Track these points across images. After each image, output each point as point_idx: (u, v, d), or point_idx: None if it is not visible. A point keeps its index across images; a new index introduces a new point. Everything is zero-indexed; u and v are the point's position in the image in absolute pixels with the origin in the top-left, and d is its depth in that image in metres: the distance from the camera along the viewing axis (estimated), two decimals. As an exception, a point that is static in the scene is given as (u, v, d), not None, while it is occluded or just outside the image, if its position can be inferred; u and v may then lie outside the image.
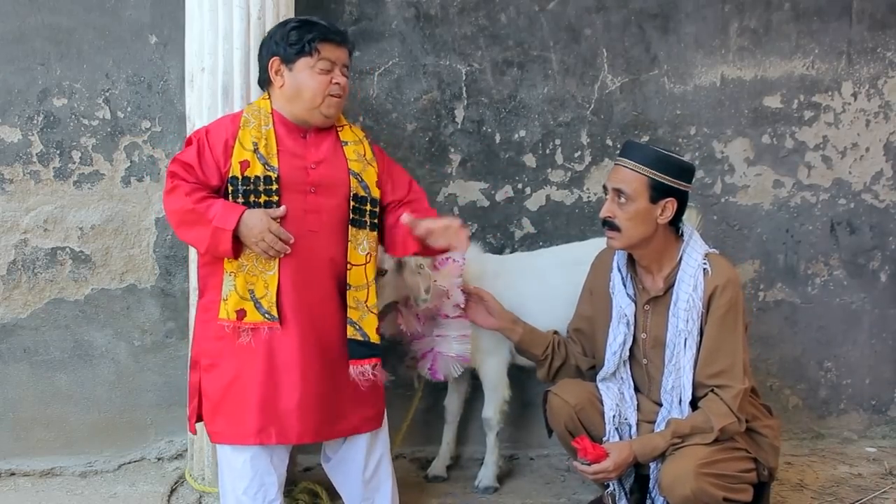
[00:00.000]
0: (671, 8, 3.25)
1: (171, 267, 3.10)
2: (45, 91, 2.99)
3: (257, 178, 2.31)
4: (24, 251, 3.03)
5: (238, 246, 2.29)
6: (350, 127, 2.52)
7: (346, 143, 2.46)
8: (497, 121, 3.22)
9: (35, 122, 2.99)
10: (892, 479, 3.15)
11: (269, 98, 2.42)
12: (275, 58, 2.37)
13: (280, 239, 2.27)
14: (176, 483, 2.96)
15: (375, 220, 2.47)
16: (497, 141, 3.23)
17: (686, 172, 2.48)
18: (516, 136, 3.23)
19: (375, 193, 2.46)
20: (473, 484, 2.99)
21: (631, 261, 2.59)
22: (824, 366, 3.50)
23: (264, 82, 2.44)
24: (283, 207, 2.31)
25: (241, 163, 2.31)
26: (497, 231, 3.26)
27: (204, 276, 2.41)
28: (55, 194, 3.03)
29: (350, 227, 2.41)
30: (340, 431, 2.44)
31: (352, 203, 2.41)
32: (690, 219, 2.64)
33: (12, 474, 3.03)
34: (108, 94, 3.02)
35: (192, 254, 2.73)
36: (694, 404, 2.45)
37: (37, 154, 3.01)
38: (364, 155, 2.47)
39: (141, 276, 3.11)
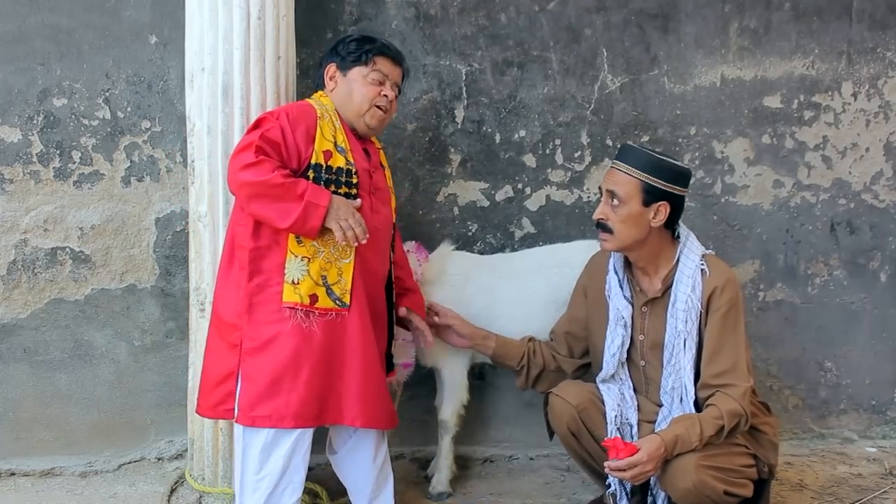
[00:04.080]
0: (671, 8, 3.25)
1: (171, 267, 3.10)
2: (45, 91, 2.99)
3: (340, 169, 2.37)
4: (24, 251, 3.03)
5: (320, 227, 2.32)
6: (382, 150, 2.68)
7: (384, 167, 2.63)
8: (497, 121, 3.22)
9: (35, 122, 2.99)
10: (892, 479, 3.15)
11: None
12: (332, 64, 2.50)
13: (361, 225, 2.32)
14: (176, 483, 2.96)
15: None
16: (497, 141, 3.23)
17: (681, 177, 2.48)
18: (516, 136, 3.23)
19: (393, 218, 2.64)
20: (427, 491, 2.97)
21: (627, 263, 2.59)
22: (824, 366, 3.50)
23: (319, 87, 2.56)
24: (359, 200, 2.40)
25: (324, 152, 2.36)
26: (497, 231, 3.26)
27: (255, 259, 2.34)
28: (55, 194, 3.03)
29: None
30: (387, 423, 2.47)
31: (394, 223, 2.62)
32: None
33: (12, 474, 3.03)
34: (108, 94, 3.02)
35: (193, 253, 2.73)
36: (697, 405, 2.45)
37: (37, 154, 3.01)
38: (390, 179, 2.66)
39: (141, 276, 3.11)
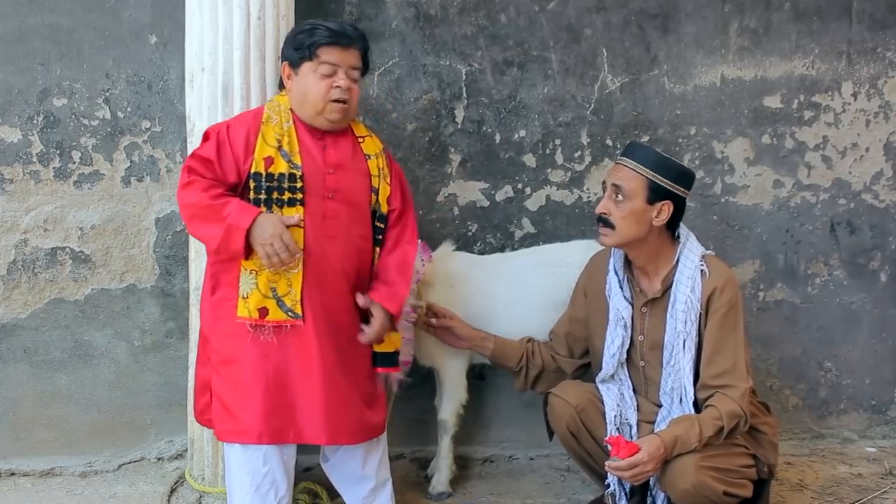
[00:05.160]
0: (671, 8, 3.25)
1: (171, 267, 3.10)
2: (45, 91, 2.98)
3: (282, 175, 2.29)
4: (24, 251, 3.03)
5: (248, 247, 2.25)
6: (372, 137, 2.50)
7: (370, 156, 2.45)
8: (497, 121, 3.22)
9: (35, 122, 2.99)
10: (892, 479, 3.15)
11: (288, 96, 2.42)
12: (285, 62, 2.39)
13: (288, 249, 2.22)
14: (176, 483, 2.96)
15: (380, 236, 2.48)
16: (497, 141, 3.23)
17: (685, 177, 2.49)
18: (516, 136, 3.23)
19: (384, 209, 2.47)
20: (427, 491, 2.97)
21: (627, 263, 2.59)
22: (824, 366, 3.50)
23: (281, 86, 2.46)
24: (297, 216, 2.28)
25: (265, 159, 2.29)
26: (497, 231, 3.26)
27: (215, 273, 2.36)
28: (55, 194, 3.03)
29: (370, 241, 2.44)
30: (354, 438, 2.40)
31: (376, 222, 2.44)
32: None
33: (12, 474, 3.03)
34: (108, 94, 3.01)
35: (193, 253, 2.73)
36: (696, 405, 2.45)
37: (37, 154, 3.01)
38: (382, 169, 2.46)
39: (141, 276, 3.11)
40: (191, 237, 2.74)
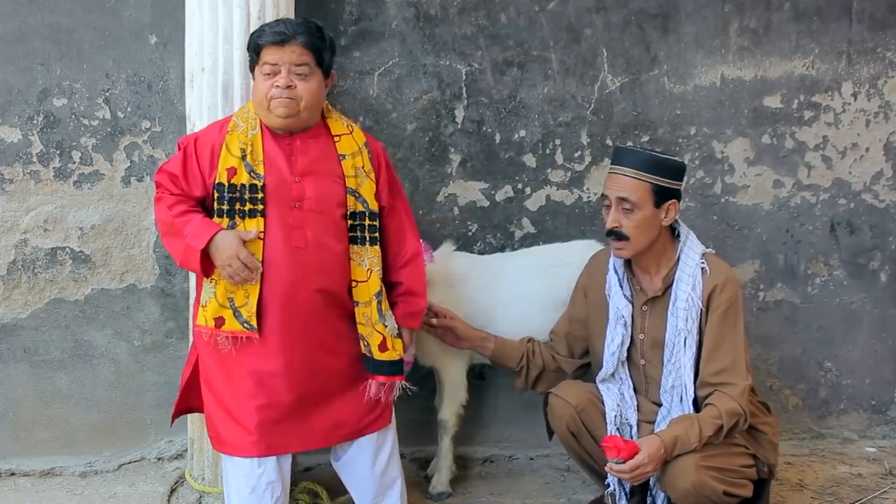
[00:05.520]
0: (671, 8, 3.25)
1: (171, 267, 3.10)
2: (45, 91, 2.98)
3: (243, 186, 2.27)
4: (24, 251, 3.03)
5: (211, 264, 2.25)
6: (353, 134, 2.43)
7: (344, 156, 2.38)
8: (497, 121, 3.22)
9: (35, 122, 2.99)
10: (892, 479, 3.15)
11: None
12: (251, 71, 2.39)
13: (248, 266, 2.22)
14: (176, 483, 2.96)
15: (376, 234, 2.41)
16: (497, 141, 3.23)
17: (680, 172, 2.50)
18: (516, 136, 3.23)
19: (374, 207, 2.40)
20: (427, 491, 2.97)
21: (627, 262, 2.59)
22: (824, 366, 3.50)
23: None
24: (254, 230, 2.26)
25: (228, 169, 2.28)
26: (497, 231, 3.26)
27: (197, 279, 2.41)
28: (55, 194, 3.03)
29: (350, 244, 2.37)
30: (341, 437, 2.42)
31: (349, 221, 2.36)
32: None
33: (12, 474, 3.03)
34: (108, 94, 3.01)
35: (192, 254, 2.73)
36: (696, 403, 2.45)
37: (37, 154, 3.01)
38: (363, 167, 2.39)
39: (141, 276, 3.11)
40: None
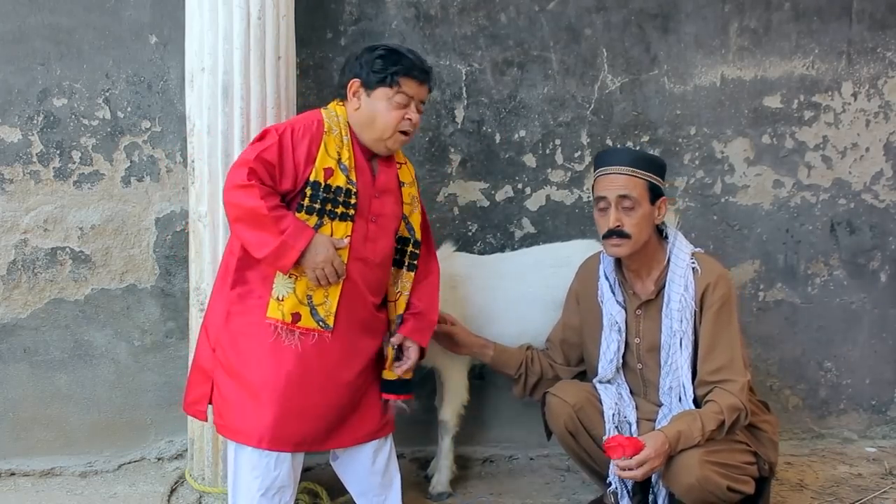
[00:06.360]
0: (671, 8, 3.25)
1: (171, 267, 3.10)
2: (45, 91, 2.99)
3: (339, 188, 2.30)
4: (24, 251, 3.03)
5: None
6: (407, 164, 2.54)
7: (404, 183, 2.49)
8: (497, 121, 3.22)
9: (35, 122, 2.99)
10: (892, 479, 3.15)
11: (346, 109, 2.40)
12: (356, 79, 2.37)
13: (337, 273, 2.28)
14: (176, 483, 2.96)
15: (415, 262, 2.50)
16: (497, 141, 3.23)
17: (665, 169, 2.53)
18: (516, 136, 3.23)
19: (418, 236, 2.51)
20: (427, 491, 2.97)
21: (618, 267, 2.58)
22: (824, 366, 3.50)
23: (342, 97, 2.43)
24: (345, 240, 2.31)
25: (325, 170, 2.29)
26: (497, 231, 3.26)
27: (241, 268, 2.33)
28: (55, 194, 3.03)
29: (392, 266, 2.48)
30: (351, 442, 2.45)
31: (396, 245, 2.47)
32: (669, 220, 2.63)
33: (12, 474, 3.03)
34: (108, 94, 3.02)
35: (193, 253, 2.73)
36: (696, 403, 2.45)
37: (37, 154, 3.01)
38: (416, 197, 2.52)
39: (141, 276, 3.11)
40: (191, 237, 2.74)
